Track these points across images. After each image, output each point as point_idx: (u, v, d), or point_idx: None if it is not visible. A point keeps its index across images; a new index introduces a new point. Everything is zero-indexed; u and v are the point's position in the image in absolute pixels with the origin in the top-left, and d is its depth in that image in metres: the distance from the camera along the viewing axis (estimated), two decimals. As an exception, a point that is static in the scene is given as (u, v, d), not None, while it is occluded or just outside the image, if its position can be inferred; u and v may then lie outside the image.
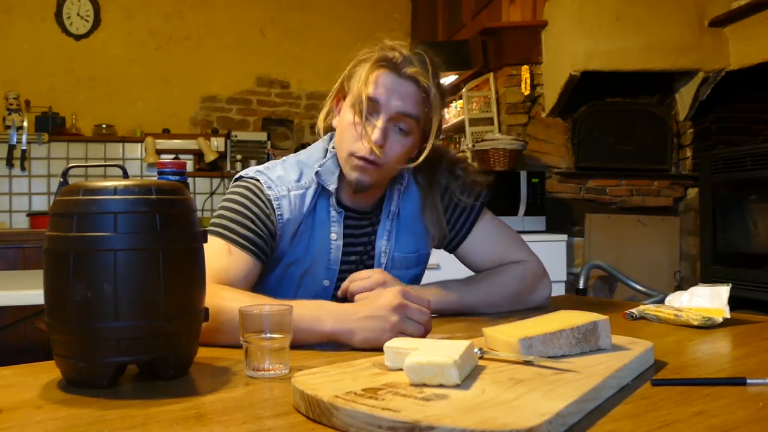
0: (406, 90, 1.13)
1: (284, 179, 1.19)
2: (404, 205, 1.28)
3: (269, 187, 1.17)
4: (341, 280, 1.17)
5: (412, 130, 1.15)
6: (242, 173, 1.22)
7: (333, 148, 1.22)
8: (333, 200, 1.20)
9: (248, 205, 1.15)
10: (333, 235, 1.20)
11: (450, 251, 1.38)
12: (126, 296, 0.72)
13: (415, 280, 1.36)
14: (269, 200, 1.16)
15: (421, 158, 1.18)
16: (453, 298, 1.20)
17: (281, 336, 0.80)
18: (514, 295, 1.27)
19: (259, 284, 1.19)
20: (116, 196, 0.73)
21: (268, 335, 0.80)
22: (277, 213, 1.15)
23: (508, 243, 1.34)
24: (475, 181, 1.31)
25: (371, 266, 1.25)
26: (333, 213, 1.20)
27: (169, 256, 0.75)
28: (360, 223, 1.24)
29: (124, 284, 0.72)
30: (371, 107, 1.12)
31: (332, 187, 1.19)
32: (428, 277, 1.62)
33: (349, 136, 1.14)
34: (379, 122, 1.12)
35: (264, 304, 0.86)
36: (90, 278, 0.72)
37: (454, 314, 1.21)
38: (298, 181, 1.19)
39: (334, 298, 1.19)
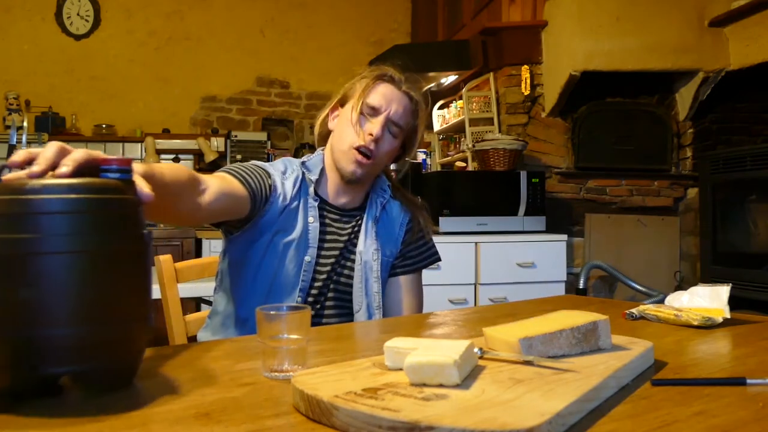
0: (402, 101, 1.36)
1: (276, 167, 1.39)
2: (385, 215, 1.46)
3: (268, 166, 1.37)
4: (321, 257, 1.36)
5: (398, 136, 1.38)
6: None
7: (322, 150, 1.44)
8: (312, 189, 1.38)
9: (250, 166, 1.34)
10: (310, 219, 1.37)
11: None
12: (52, 303, 0.67)
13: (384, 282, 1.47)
14: (268, 173, 1.34)
15: (407, 166, 1.48)
16: None
17: (299, 337, 0.80)
18: None
19: (249, 250, 1.34)
20: (43, 196, 0.67)
21: (286, 336, 0.80)
22: (271, 183, 1.33)
23: (418, 306, 1.50)
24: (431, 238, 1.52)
25: (353, 260, 1.40)
26: (310, 200, 1.38)
27: (103, 260, 0.69)
28: (340, 218, 1.41)
29: (49, 289, 0.67)
30: (371, 111, 1.34)
31: (313, 177, 1.38)
32: (429, 276, 1.64)
33: (350, 133, 1.34)
34: (378, 122, 1.33)
35: (280, 306, 0.86)
36: (15, 283, 0.66)
37: None
38: (284, 172, 1.38)
39: (315, 273, 1.35)
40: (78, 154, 0.73)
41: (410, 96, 1.37)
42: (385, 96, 1.34)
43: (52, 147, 0.73)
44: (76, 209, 0.68)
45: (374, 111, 1.34)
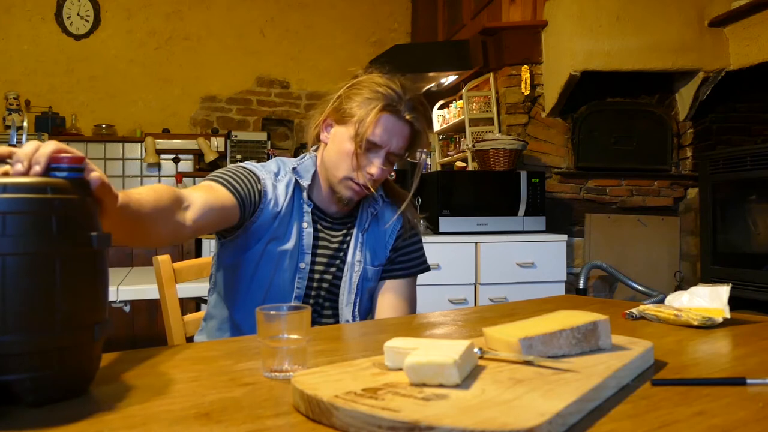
0: (404, 133, 1.31)
1: (268, 169, 1.36)
2: (375, 223, 1.43)
3: (260, 169, 1.34)
4: (315, 264, 1.36)
5: (395, 161, 1.35)
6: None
7: (314, 151, 1.40)
8: (305, 195, 1.36)
9: (239, 170, 1.31)
10: (305, 224, 1.35)
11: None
12: None
13: (371, 292, 1.45)
14: (257, 177, 1.32)
15: (413, 188, 1.42)
16: None
17: (299, 337, 0.80)
18: None
19: (243, 257, 1.32)
20: None
21: (286, 336, 0.80)
22: (261, 189, 1.30)
23: (403, 312, 1.43)
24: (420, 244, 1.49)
25: (343, 269, 1.39)
26: (304, 206, 1.36)
27: (42, 263, 0.66)
28: (331, 225, 1.40)
29: None
30: (372, 147, 1.29)
31: (306, 183, 1.35)
32: (429, 276, 1.63)
33: (347, 164, 1.30)
34: (378, 160, 1.30)
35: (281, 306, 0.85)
36: None
37: None
38: (277, 174, 1.35)
39: (309, 281, 1.35)
40: (27, 149, 0.70)
41: (413, 126, 1.31)
42: (387, 130, 1.28)
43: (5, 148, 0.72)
44: (12, 210, 0.64)
45: (375, 147, 1.29)
